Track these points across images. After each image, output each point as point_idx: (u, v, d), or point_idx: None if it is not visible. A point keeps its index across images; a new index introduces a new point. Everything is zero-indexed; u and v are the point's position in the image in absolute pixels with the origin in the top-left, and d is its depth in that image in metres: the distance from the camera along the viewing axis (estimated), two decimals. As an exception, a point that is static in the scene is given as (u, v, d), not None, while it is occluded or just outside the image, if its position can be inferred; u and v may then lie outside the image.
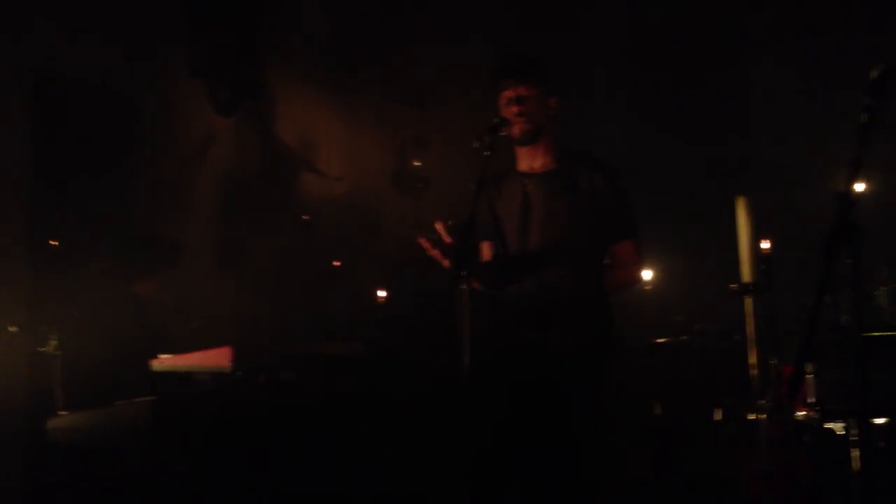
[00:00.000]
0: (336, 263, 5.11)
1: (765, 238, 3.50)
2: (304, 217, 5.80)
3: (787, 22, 6.15)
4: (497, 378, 3.13)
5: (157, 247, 4.30)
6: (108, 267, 4.18)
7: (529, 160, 3.24)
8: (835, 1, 5.94)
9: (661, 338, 4.91)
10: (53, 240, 4.30)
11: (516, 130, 3.14)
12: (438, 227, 3.01)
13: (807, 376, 3.30)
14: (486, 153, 3.02)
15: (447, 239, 3.01)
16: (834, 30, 5.78)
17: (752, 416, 4.07)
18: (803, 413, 3.51)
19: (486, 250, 3.31)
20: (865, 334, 2.48)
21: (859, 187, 2.18)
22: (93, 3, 4.84)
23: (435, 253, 3.01)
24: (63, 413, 3.51)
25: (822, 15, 5.92)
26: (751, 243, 3.36)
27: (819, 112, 5.50)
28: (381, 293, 4.73)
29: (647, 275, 5.04)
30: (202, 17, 5.62)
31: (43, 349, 3.63)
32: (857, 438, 3.13)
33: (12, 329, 3.72)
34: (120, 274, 4.13)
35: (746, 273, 3.35)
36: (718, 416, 4.55)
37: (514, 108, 3.15)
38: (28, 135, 4.48)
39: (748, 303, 3.34)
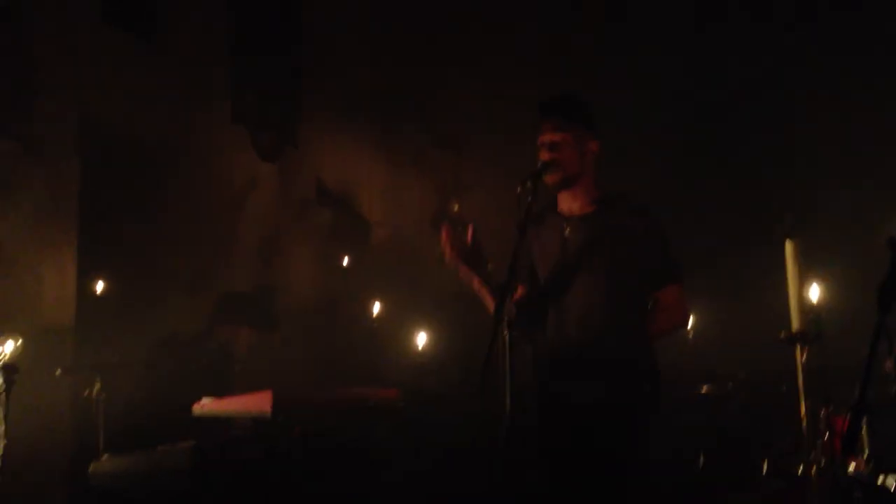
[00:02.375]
0: (376, 309, 5.10)
1: (815, 284, 3.42)
2: (343, 261, 5.83)
3: (831, 61, 6.10)
4: (538, 431, 3.09)
5: (254, 307, 4.38)
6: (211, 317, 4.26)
7: (568, 202, 3.22)
8: (878, 41, 5.89)
9: (704, 387, 4.81)
10: (100, 284, 4.36)
11: (548, 179, 3.13)
12: (469, 228, 3.01)
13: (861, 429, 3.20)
14: (528, 199, 3.01)
15: (468, 238, 3.00)
16: (882, 72, 5.73)
17: (801, 471, 3.95)
18: (855, 467, 3.40)
19: (520, 293, 3.28)
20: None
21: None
22: (137, 49, 4.96)
23: (447, 249, 3.00)
24: (105, 456, 3.52)
25: (867, 55, 5.87)
26: (799, 289, 3.29)
27: (868, 155, 5.43)
28: (421, 338, 4.71)
29: (689, 321, 4.96)
30: (246, 63, 5.74)
31: (87, 393, 3.66)
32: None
33: (58, 373, 3.76)
34: (216, 322, 4.19)
35: (796, 320, 3.27)
36: (765, 469, 4.43)
37: (546, 155, 3.13)
38: (75, 182, 4.58)
39: (798, 351, 3.25)
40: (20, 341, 3.40)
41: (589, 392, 3.03)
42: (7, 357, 3.13)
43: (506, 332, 2.82)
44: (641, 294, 3.13)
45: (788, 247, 3.34)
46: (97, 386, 3.64)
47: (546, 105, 3.22)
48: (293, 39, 6.11)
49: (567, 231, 3.18)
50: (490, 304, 3.06)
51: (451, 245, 3.05)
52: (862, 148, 5.60)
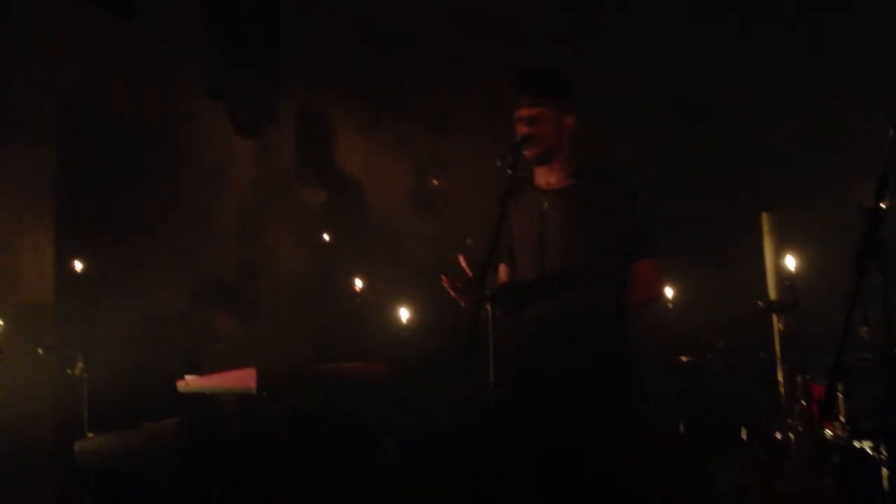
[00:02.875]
0: (358, 285, 5.12)
1: (790, 254, 3.48)
2: (324, 237, 5.82)
3: (806, 35, 6.15)
4: (519, 402, 3.12)
5: (239, 297, 4.37)
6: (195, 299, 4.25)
7: (545, 176, 3.23)
8: (853, 15, 5.94)
9: (684, 356, 4.88)
10: (78, 262, 4.34)
11: (526, 153, 3.13)
12: (461, 260, 3.01)
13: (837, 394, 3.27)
14: (508, 172, 3.02)
15: (468, 272, 3.01)
16: (856, 40, 5.77)
17: (779, 435, 4.03)
18: (832, 431, 3.47)
19: (503, 272, 3.31)
20: (897, 351, 2.46)
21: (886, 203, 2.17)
22: (114, 27, 4.91)
23: (455, 294, 3.00)
24: (90, 435, 3.52)
25: (841, 28, 5.92)
26: (776, 260, 3.34)
27: (841, 127, 5.49)
28: (404, 314, 4.72)
29: (668, 293, 5.02)
30: (222, 40, 5.69)
31: (70, 371, 3.65)
32: (887, 457, 3.09)
33: (39, 351, 3.75)
34: (198, 305, 4.18)
35: (773, 290, 3.33)
36: (744, 434, 4.51)
37: (524, 129, 3.13)
38: (52, 160, 4.54)
39: (775, 320, 3.31)
40: (0, 322, 3.39)
41: (567, 363, 3.06)
42: (-11, 337, 3.12)
43: (488, 306, 2.85)
44: (618, 266, 3.15)
45: (765, 219, 3.39)
46: (79, 364, 3.63)
47: (523, 79, 3.22)
48: (271, 16, 6.06)
49: (545, 205, 3.19)
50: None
51: (457, 290, 3.04)
52: (833, 121, 5.66)
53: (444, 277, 3.01)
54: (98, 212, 4.72)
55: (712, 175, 6.18)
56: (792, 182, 5.24)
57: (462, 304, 3.03)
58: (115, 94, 4.86)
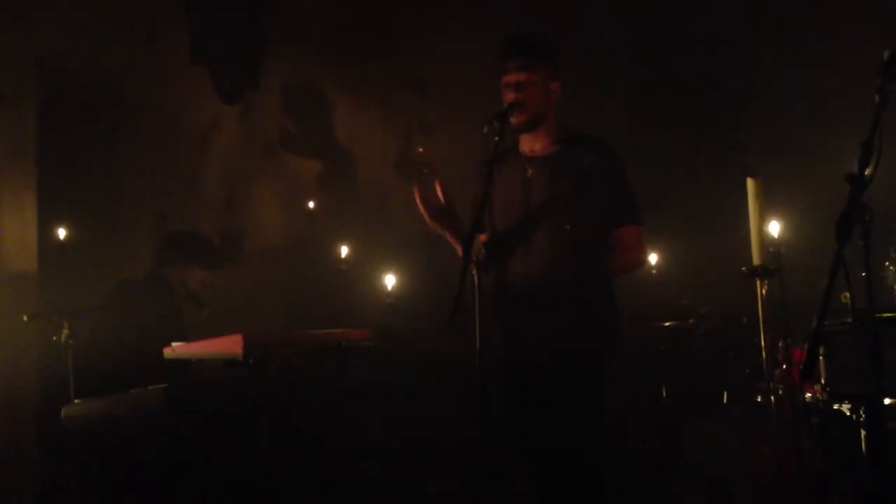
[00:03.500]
0: (344, 251, 5.12)
1: (774, 220, 3.51)
2: (309, 205, 5.81)
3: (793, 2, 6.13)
4: (502, 366, 3.15)
5: (199, 244, 4.33)
6: (154, 256, 4.21)
7: (530, 142, 3.24)
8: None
9: (667, 321, 4.93)
10: (62, 229, 4.31)
11: (513, 119, 3.13)
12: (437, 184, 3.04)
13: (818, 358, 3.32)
14: (495, 139, 3.02)
15: (440, 196, 3.06)
16: (845, 5, 5.76)
17: (759, 399, 4.09)
18: (812, 395, 3.53)
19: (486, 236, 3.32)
20: (878, 315, 2.50)
21: (870, 169, 2.19)
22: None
23: (421, 207, 3.04)
24: (77, 401, 3.53)
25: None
26: (760, 226, 3.37)
27: (827, 93, 5.50)
28: (389, 280, 4.74)
29: (652, 258, 5.05)
30: (206, 4, 5.62)
31: (55, 338, 3.65)
32: (865, 420, 3.15)
33: (25, 318, 3.74)
34: (162, 263, 4.15)
35: (756, 256, 3.35)
36: (725, 398, 4.58)
37: (512, 96, 3.12)
38: (34, 127, 4.50)
39: (758, 285, 3.35)
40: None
41: (550, 329, 3.09)
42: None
43: (474, 271, 2.87)
44: (601, 233, 3.17)
45: (750, 184, 3.41)
46: (65, 331, 3.63)
47: (511, 44, 3.21)
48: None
49: (529, 172, 3.20)
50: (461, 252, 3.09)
51: (425, 204, 3.07)
52: (821, 86, 5.66)
53: (415, 187, 3.04)
54: (81, 179, 4.69)
55: (697, 140, 6.19)
56: (778, 148, 5.25)
57: (427, 217, 3.08)
58: (97, 60, 4.81)
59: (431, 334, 4.48)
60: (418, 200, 3.08)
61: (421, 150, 6.82)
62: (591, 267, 3.15)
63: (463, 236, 3.01)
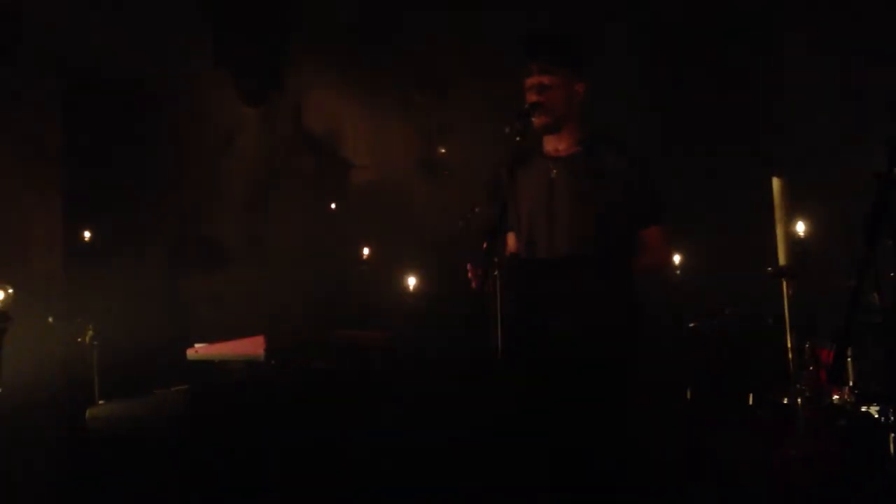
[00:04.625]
0: (365, 253, 5.12)
1: (801, 220, 3.47)
2: (331, 206, 5.82)
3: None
4: (525, 366, 3.13)
5: (210, 248, 4.35)
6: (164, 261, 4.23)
7: (554, 143, 3.22)
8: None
9: (692, 322, 4.88)
10: (87, 232, 4.34)
11: (535, 121, 3.11)
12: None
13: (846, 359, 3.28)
14: (517, 139, 3.01)
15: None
16: (867, 5, 5.69)
17: (786, 401, 4.04)
18: (839, 397, 3.48)
19: (510, 240, 3.30)
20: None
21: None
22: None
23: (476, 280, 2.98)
24: (101, 402, 3.55)
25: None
26: (786, 226, 3.33)
27: (854, 91, 5.43)
28: (410, 281, 4.74)
29: (676, 259, 5.01)
30: (228, 8, 5.65)
31: (80, 340, 3.67)
32: (894, 421, 3.10)
33: (50, 320, 3.77)
34: (175, 268, 4.18)
35: (782, 256, 3.32)
36: (751, 400, 4.52)
37: (534, 97, 3.11)
38: (59, 130, 4.53)
39: (784, 286, 3.31)
40: (10, 290, 3.40)
41: (572, 327, 3.07)
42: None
43: (496, 272, 2.85)
44: (626, 234, 3.15)
45: (776, 184, 3.38)
46: (90, 332, 3.65)
47: (534, 45, 3.19)
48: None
49: (553, 172, 3.18)
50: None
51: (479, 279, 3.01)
52: (846, 85, 5.60)
53: (469, 267, 2.98)
54: (106, 181, 4.72)
55: (722, 140, 6.13)
56: (804, 147, 5.20)
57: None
58: (121, 62, 4.84)
59: (452, 335, 4.47)
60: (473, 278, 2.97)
61: (442, 151, 6.82)
62: (615, 267, 3.13)
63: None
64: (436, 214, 6.65)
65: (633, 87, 6.70)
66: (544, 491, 3.17)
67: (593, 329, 3.06)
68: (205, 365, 3.65)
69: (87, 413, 3.51)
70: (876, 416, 3.28)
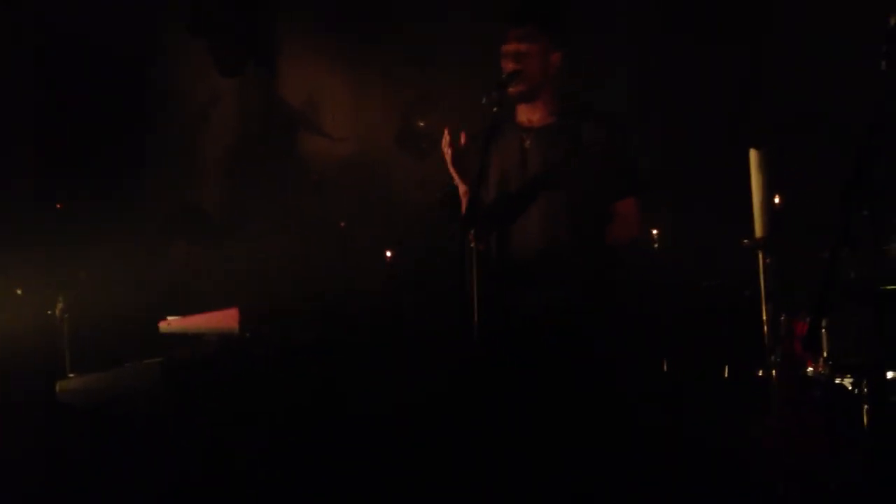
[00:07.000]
0: (342, 224, 5.09)
1: (777, 192, 3.46)
2: (314, 177, 5.79)
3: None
4: (499, 339, 3.12)
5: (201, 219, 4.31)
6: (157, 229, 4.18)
7: (528, 113, 3.21)
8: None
9: (668, 294, 4.89)
10: (58, 202, 4.28)
11: (510, 89, 3.09)
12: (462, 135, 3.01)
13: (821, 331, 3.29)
14: (494, 109, 2.99)
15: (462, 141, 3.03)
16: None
17: (761, 373, 4.06)
18: (814, 368, 3.50)
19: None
20: (882, 287, 2.46)
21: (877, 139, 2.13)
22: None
23: (446, 147, 3.02)
24: (72, 375, 3.52)
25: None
26: (763, 198, 3.32)
27: (834, 62, 5.41)
28: (388, 253, 4.72)
29: (653, 231, 5.01)
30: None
31: (50, 312, 3.63)
32: (867, 393, 3.12)
33: (19, 292, 3.72)
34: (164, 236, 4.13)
35: (759, 228, 3.32)
36: (727, 372, 4.55)
37: (511, 65, 3.09)
38: (31, 96, 4.46)
39: (761, 258, 3.31)
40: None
41: (549, 301, 3.06)
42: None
43: (473, 243, 2.84)
44: (601, 204, 3.13)
45: (753, 155, 3.37)
46: (60, 304, 3.61)
47: (512, 11, 3.17)
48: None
49: (527, 142, 3.17)
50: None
51: (450, 145, 3.01)
52: (828, 57, 5.58)
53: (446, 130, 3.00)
54: (80, 149, 4.66)
55: (701, 111, 6.11)
56: (782, 118, 5.19)
57: (448, 159, 3.05)
58: (96, 29, 4.76)
59: (429, 306, 4.46)
60: (445, 139, 3.03)
61: (422, 123, 6.77)
62: (590, 238, 3.11)
63: (471, 192, 3.00)
64: (415, 186, 6.62)
65: (613, 59, 6.67)
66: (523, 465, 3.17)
67: (571, 302, 3.05)
68: (178, 337, 3.62)
69: (59, 386, 3.48)
70: (850, 388, 3.30)
